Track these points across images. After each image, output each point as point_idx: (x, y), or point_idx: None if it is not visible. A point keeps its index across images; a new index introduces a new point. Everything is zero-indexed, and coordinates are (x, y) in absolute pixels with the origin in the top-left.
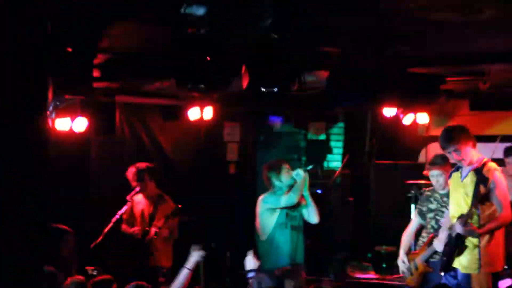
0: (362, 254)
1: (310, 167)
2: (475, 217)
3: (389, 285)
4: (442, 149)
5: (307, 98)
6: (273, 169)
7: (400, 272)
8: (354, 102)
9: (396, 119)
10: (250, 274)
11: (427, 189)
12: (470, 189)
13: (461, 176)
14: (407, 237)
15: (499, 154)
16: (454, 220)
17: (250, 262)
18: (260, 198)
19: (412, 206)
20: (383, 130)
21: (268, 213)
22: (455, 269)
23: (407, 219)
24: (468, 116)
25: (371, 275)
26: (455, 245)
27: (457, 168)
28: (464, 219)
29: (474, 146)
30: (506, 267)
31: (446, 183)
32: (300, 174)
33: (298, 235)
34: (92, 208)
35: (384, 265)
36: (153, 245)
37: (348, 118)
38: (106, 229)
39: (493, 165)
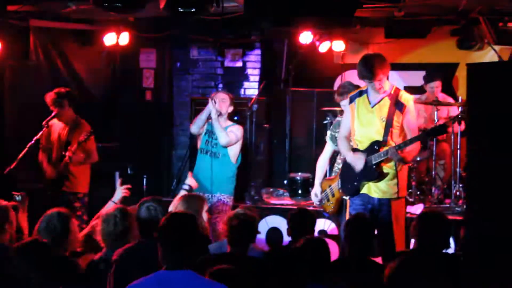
0: (278, 180)
1: None
2: (392, 143)
3: None
4: (362, 78)
5: (224, 24)
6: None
7: (314, 204)
8: (270, 27)
9: (313, 47)
10: (184, 186)
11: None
12: (384, 112)
13: (369, 102)
14: (321, 164)
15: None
16: (364, 144)
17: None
18: None
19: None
20: (300, 58)
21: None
22: (366, 196)
23: (323, 146)
24: (383, 44)
25: (287, 201)
26: (372, 173)
27: (360, 93)
28: (386, 147)
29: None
30: (418, 192)
31: None
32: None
33: (215, 161)
34: (8, 135)
35: (299, 191)
36: (68, 171)
37: (265, 45)
38: (21, 155)
39: (406, 93)
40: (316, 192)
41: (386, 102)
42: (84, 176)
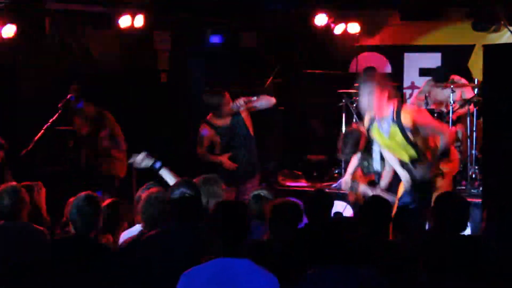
0: (293, 162)
1: None
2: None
3: None
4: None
5: (239, 6)
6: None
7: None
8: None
9: (328, 29)
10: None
11: None
12: (400, 138)
13: (383, 133)
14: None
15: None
16: (399, 168)
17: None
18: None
19: (343, 115)
20: (315, 40)
21: None
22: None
23: (338, 128)
24: (398, 26)
25: (302, 183)
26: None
27: (370, 122)
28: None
29: (389, 97)
30: None
31: None
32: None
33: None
34: (23, 118)
35: (314, 174)
36: (106, 154)
37: (280, 27)
38: (37, 137)
39: (405, 111)
40: (346, 180)
41: (395, 129)
42: (117, 159)
